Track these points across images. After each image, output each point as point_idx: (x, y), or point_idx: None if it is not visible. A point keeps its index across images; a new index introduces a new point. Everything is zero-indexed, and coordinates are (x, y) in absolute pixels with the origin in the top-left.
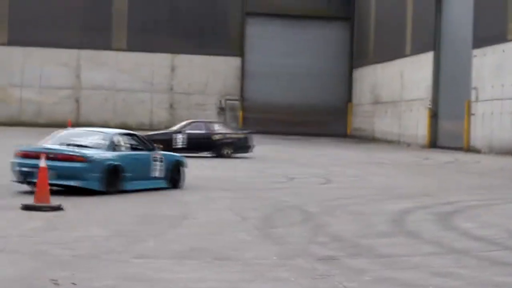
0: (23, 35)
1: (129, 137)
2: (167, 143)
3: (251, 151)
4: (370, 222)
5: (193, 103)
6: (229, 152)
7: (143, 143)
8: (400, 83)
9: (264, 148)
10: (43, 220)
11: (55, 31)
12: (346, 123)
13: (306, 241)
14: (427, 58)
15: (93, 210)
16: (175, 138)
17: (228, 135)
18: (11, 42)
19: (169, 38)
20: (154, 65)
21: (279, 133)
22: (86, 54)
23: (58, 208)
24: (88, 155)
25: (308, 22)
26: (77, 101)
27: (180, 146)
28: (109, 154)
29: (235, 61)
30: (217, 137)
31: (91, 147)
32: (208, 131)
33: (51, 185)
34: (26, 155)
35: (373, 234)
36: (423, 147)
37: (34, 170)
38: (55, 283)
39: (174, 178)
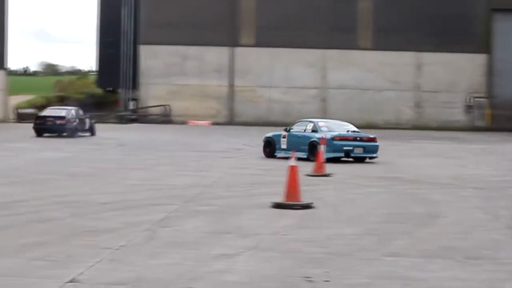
0: (270, 37)
1: None
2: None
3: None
4: None
5: (440, 101)
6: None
7: None
8: None
9: None
10: (294, 218)
11: (301, 32)
12: None
13: None
14: None
15: (342, 209)
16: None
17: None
18: (259, 44)
19: (414, 36)
20: (399, 63)
21: None
22: (332, 53)
23: (308, 206)
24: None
25: None
26: (323, 100)
27: None
28: None
29: (481, 58)
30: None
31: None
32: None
33: (355, 158)
34: (344, 138)
35: None
36: None
37: (353, 148)
38: (308, 281)
39: None
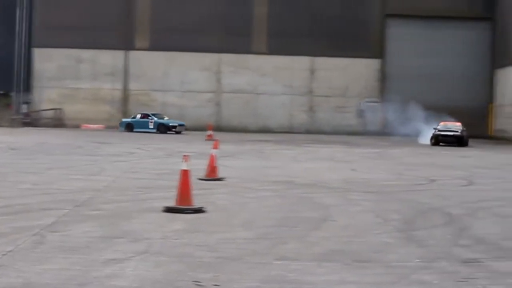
0: (165, 40)
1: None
2: None
3: None
4: None
5: (333, 105)
6: None
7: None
8: None
9: (405, 151)
10: (185, 222)
11: (196, 36)
12: (487, 125)
13: (449, 243)
14: None
15: (234, 213)
16: None
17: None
18: (153, 47)
19: (309, 41)
20: (293, 68)
21: None
22: (227, 58)
23: (200, 211)
24: None
25: (449, 22)
26: (218, 104)
27: None
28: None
29: (375, 63)
30: None
31: None
32: None
33: None
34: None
35: None
36: None
37: None
38: (198, 285)
39: None
